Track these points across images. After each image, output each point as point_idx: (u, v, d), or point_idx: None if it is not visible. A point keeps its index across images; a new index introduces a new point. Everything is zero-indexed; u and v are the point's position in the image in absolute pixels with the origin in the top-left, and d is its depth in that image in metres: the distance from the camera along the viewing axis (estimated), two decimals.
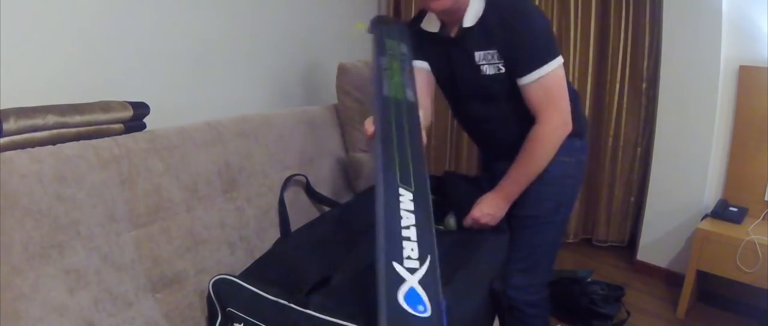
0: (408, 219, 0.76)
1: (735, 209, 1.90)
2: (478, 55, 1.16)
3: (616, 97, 2.27)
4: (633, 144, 2.32)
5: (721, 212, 1.89)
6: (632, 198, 2.37)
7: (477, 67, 1.17)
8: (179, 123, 1.26)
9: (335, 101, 1.87)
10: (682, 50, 2.00)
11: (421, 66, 1.29)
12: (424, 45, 1.28)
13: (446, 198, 1.35)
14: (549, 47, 1.11)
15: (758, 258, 1.68)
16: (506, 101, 1.20)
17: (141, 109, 1.21)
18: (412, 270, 0.69)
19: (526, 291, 1.31)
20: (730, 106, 1.97)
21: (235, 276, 1.03)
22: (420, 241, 0.73)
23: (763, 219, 1.87)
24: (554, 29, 2.31)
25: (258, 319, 0.95)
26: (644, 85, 2.22)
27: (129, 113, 1.17)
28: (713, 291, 2.04)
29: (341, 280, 1.01)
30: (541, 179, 1.20)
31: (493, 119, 1.27)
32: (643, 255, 2.29)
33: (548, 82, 1.10)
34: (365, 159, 1.81)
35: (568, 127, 1.15)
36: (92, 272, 0.94)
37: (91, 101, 1.13)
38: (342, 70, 1.79)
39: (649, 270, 2.25)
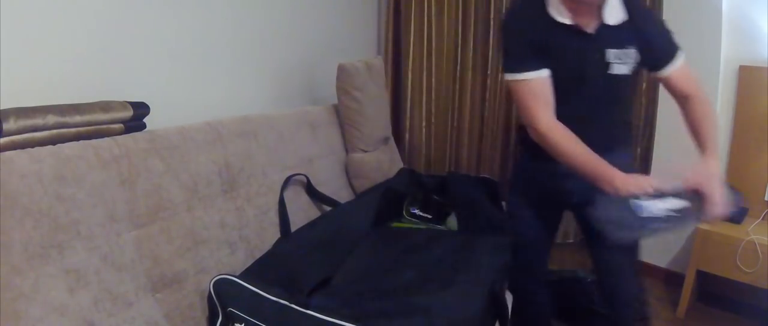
0: None
1: (735, 209, 1.89)
2: (611, 53, 1.14)
3: None
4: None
5: None
6: None
7: (606, 65, 1.15)
8: (179, 123, 1.26)
9: (335, 101, 1.87)
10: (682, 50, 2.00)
11: (539, 75, 1.16)
12: (552, 40, 1.15)
13: (449, 198, 1.34)
14: (674, 40, 1.19)
15: (758, 258, 1.68)
16: (619, 106, 1.24)
17: (141, 109, 1.20)
18: None
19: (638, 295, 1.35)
20: (730, 106, 1.97)
21: (235, 276, 1.03)
22: None
23: (763, 219, 1.87)
24: None
25: (259, 319, 0.95)
26: (644, 85, 2.22)
27: (129, 113, 1.16)
28: (713, 291, 2.04)
29: (342, 281, 1.01)
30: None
31: (597, 124, 1.21)
32: (643, 255, 2.28)
33: (685, 67, 1.18)
34: (365, 159, 1.81)
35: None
36: (92, 272, 0.93)
37: (91, 101, 1.13)
38: (342, 70, 1.79)
39: (649, 270, 2.25)
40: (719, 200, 0.99)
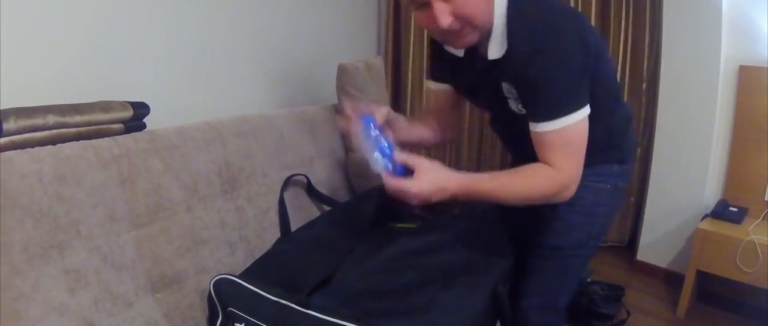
0: None
1: (735, 209, 1.90)
2: (505, 87, 0.99)
3: None
4: None
5: (721, 212, 1.89)
6: (632, 198, 2.37)
7: (504, 99, 1.00)
8: (179, 123, 1.26)
9: (335, 101, 1.87)
10: (682, 50, 2.00)
11: (437, 88, 1.19)
12: (446, 65, 1.12)
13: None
14: (573, 96, 0.90)
15: (758, 258, 1.68)
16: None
17: (141, 109, 1.20)
18: None
19: (546, 314, 1.19)
20: (730, 106, 1.97)
21: (235, 276, 1.03)
22: None
23: (763, 219, 1.87)
24: None
25: (259, 319, 0.95)
26: (644, 85, 2.22)
27: (129, 113, 1.17)
28: (713, 291, 2.04)
29: (342, 280, 1.01)
30: (572, 207, 1.01)
31: (526, 146, 1.05)
32: (643, 255, 2.29)
33: (565, 136, 0.91)
34: (365, 159, 1.81)
35: (569, 194, 0.95)
36: (92, 272, 0.93)
37: (91, 101, 1.13)
38: (342, 70, 1.79)
39: (649, 270, 2.25)
40: (401, 186, 0.89)
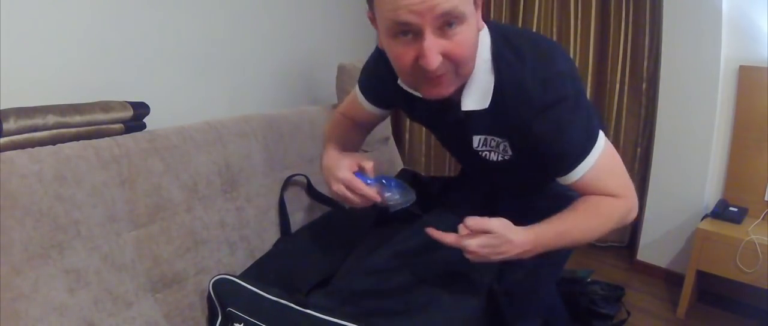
0: None
1: (735, 209, 1.89)
2: (478, 140, 0.91)
3: (616, 97, 2.27)
4: (633, 144, 2.32)
5: (721, 212, 1.89)
6: None
7: (476, 152, 0.93)
8: (179, 123, 1.26)
9: (335, 101, 1.87)
10: (682, 50, 2.00)
11: (369, 109, 1.10)
12: (400, 100, 0.98)
13: (450, 199, 1.28)
14: (589, 128, 0.83)
15: (758, 258, 1.68)
16: (516, 177, 0.99)
17: (141, 109, 1.21)
18: None
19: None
20: (730, 106, 1.97)
21: (235, 276, 1.03)
22: None
23: (763, 219, 1.87)
24: (554, 29, 2.31)
25: (258, 319, 0.95)
26: (644, 85, 2.22)
27: (129, 113, 1.17)
28: (713, 291, 2.04)
29: (341, 280, 1.01)
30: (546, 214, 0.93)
31: (502, 177, 1.05)
32: (643, 255, 2.28)
33: (600, 169, 0.84)
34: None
35: (634, 214, 0.90)
36: (92, 272, 0.94)
37: (91, 101, 1.13)
38: (342, 70, 1.79)
39: (649, 270, 2.25)
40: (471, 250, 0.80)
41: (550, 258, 0.95)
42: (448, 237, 0.82)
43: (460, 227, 0.82)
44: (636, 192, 0.92)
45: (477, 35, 0.77)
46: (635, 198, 0.90)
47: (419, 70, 0.74)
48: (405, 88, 0.91)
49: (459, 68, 0.76)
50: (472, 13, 0.74)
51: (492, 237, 0.80)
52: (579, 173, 0.84)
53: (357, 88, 1.13)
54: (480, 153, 0.92)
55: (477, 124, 0.88)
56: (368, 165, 0.91)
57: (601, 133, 0.86)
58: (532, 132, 0.82)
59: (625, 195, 0.88)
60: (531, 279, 1.10)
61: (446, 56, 0.73)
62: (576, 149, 0.83)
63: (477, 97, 0.83)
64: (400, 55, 0.74)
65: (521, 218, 0.85)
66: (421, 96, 0.84)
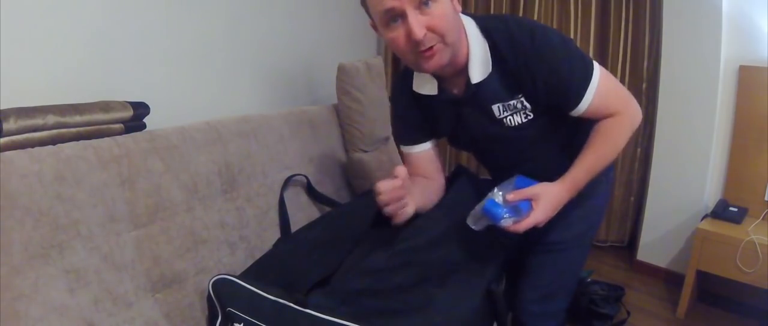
0: None
1: (735, 209, 1.90)
2: (497, 108, 1.00)
3: None
4: (633, 144, 2.32)
5: (721, 212, 1.89)
6: (632, 198, 2.37)
7: (500, 121, 1.01)
8: (179, 123, 1.26)
9: (335, 101, 1.87)
10: (682, 50, 2.00)
11: (418, 151, 1.16)
12: (427, 113, 1.10)
13: (450, 199, 1.28)
14: (584, 59, 0.95)
15: (758, 258, 1.68)
16: (541, 139, 1.05)
17: (141, 109, 1.21)
18: None
19: (544, 319, 1.19)
20: (730, 106, 1.97)
21: (234, 277, 1.03)
22: None
23: (763, 219, 1.87)
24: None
25: (258, 319, 0.95)
26: (644, 85, 2.22)
27: (129, 113, 1.17)
28: (713, 291, 2.04)
29: (341, 280, 1.01)
30: (571, 201, 1.01)
31: (528, 159, 1.10)
32: (643, 255, 2.29)
33: (602, 90, 0.95)
34: (365, 159, 1.81)
35: (640, 118, 1.02)
36: (92, 272, 0.94)
37: (91, 101, 1.13)
38: (342, 70, 1.79)
39: (649, 270, 2.25)
40: (533, 221, 0.90)
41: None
42: (523, 226, 0.90)
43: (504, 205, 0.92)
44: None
45: (453, 11, 0.89)
46: (636, 103, 1.02)
47: (414, 47, 0.87)
48: (422, 92, 1.05)
49: (445, 37, 0.87)
50: None
51: (541, 199, 0.91)
52: (588, 99, 0.95)
53: (400, 147, 1.21)
54: (504, 121, 1.01)
55: (491, 93, 0.98)
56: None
57: (596, 66, 0.96)
58: (537, 76, 0.93)
59: (627, 106, 1.00)
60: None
61: (430, 29, 0.85)
62: (579, 79, 0.94)
63: (479, 66, 0.96)
64: (396, 38, 0.88)
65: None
66: (432, 92, 1.02)
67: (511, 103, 0.98)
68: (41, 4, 1.19)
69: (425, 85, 1.05)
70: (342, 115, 1.85)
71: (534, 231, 1.03)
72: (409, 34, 0.85)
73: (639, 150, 2.31)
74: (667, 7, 2.00)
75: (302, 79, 2.14)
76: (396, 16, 0.85)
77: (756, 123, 1.89)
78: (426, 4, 0.84)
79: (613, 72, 2.25)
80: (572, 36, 2.26)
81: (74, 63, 1.28)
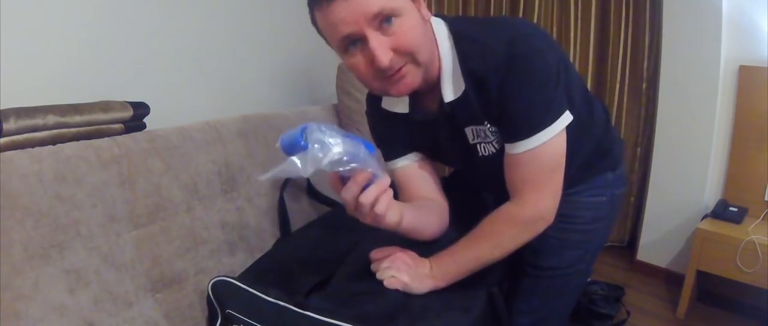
0: None
1: (735, 209, 1.89)
2: (471, 131, 0.89)
3: (616, 97, 2.27)
4: (633, 144, 2.32)
5: (721, 212, 1.89)
6: (632, 198, 2.37)
7: (474, 148, 0.91)
8: (179, 123, 1.26)
9: (335, 101, 1.87)
10: (682, 50, 2.00)
11: (405, 166, 1.02)
12: (396, 128, 0.98)
13: (449, 200, 1.27)
14: (551, 108, 0.79)
15: (758, 258, 1.68)
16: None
17: (141, 109, 1.21)
18: None
19: None
20: (730, 106, 1.97)
21: (233, 278, 1.03)
22: None
23: (763, 219, 1.87)
24: (554, 29, 2.31)
25: (257, 321, 0.95)
26: (644, 85, 2.22)
27: (129, 113, 1.17)
28: (713, 291, 2.04)
29: (340, 281, 1.01)
30: (566, 226, 0.94)
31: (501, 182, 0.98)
32: (643, 255, 2.29)
33: (543, 156, 0.82)
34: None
35: (548, 222, 0.88)
36: (92, 272, 0.94)
37: (91, 101, 1.13)
38: (342, 70, 1.79)
39: (649, 270, 2.25)
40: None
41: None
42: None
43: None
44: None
45: (421, 24, 0.78)
46: (553, 207, 0.87)
47: (379, 73, 0.75)
48: (393, 111, 0.95)
49: (415, 56, 0.76)
50: (408, 6, 0.75)
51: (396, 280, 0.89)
52: (524, 147, 0.81)
53: (390, 164, 1.05)
54: (477, 147, 0.91)
55: (464, 114, 0.86)
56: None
57: (563, 120, 0.81)
58: (501, 94, 0.80)
59: (541, 200, 0.86)
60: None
61: (396, 50, 0.74)
62: (533, 117, 0.80)
63: (451, 85, 0.84)
64: (357, 64, 0.76)
65: None
66: (403, 111, 0.90)
67: (482, 128, 0.87)
68: (41, 4, 1.19)
69: (397, 104, 0.94)
70: (342, 115, 1.85)
71: (524, 254, 1.00)
72: (373, 60, 0.73)
73: (639, 150, 2.31)
74: (667, 7, 2.00)
75: (302, 79, 2.14)
76: (355, 40, 0.74)
77: (756, 123, 1.89)
78: (387, 21, 0.72)
79: (613, 72, 2.26)
80: (572, 36, 2.26)
81: (74, 63, 1.28)
